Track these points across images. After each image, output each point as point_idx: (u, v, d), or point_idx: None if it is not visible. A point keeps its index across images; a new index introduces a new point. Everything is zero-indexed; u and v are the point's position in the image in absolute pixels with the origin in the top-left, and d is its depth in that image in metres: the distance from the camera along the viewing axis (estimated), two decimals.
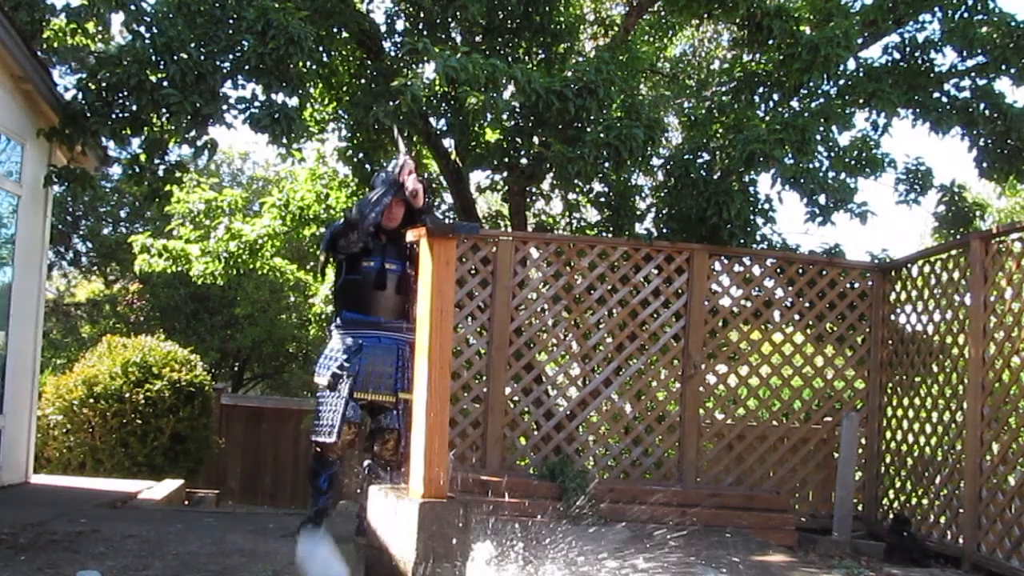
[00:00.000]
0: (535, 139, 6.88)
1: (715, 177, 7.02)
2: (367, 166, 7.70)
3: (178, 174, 6.70)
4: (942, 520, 5.93)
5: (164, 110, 6.05)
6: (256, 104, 6.22)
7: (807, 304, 7.00)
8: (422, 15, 7.35)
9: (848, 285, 6.98)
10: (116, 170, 10.12)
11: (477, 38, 7.73)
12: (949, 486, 5.88)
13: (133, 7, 6.23)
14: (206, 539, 4.61)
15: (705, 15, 7.68)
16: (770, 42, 7.33)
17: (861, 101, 7.35)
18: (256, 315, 14.34)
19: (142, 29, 6.15)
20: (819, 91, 7.39)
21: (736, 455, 6.82)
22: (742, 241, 7.00)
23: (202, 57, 6.05)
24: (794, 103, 7.55)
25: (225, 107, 6.22)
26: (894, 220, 30.29)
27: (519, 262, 6.74)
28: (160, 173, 6.56)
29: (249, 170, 20.52)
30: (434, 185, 8.46)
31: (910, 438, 6.42)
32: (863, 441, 6.79)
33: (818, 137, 6.75)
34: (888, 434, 6.74)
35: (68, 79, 13.87)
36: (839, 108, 7.10)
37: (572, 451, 6.70)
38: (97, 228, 16.46)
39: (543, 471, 6.25)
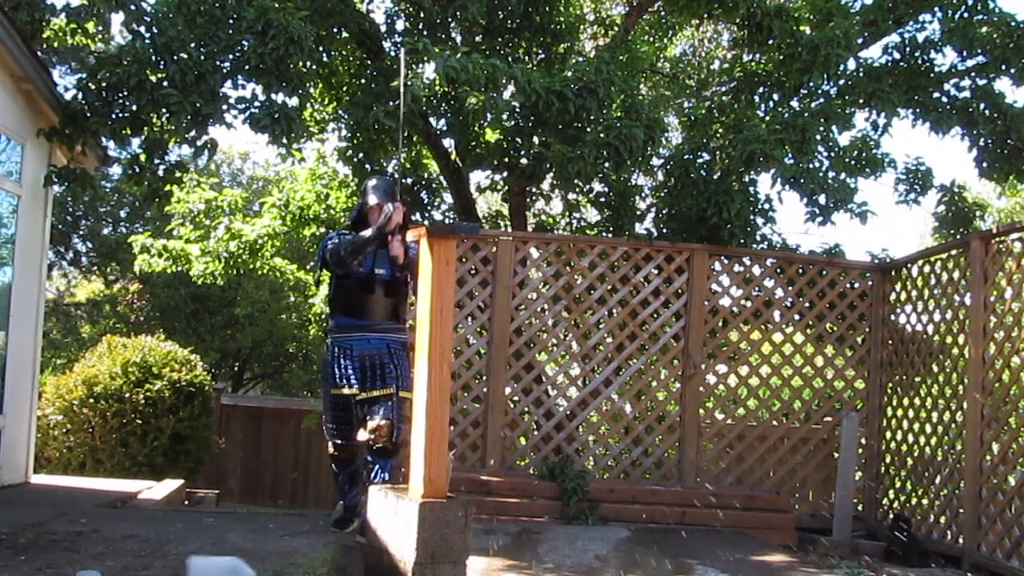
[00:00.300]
0: (535, 139, 6.87)
1: (715, 177, 7.02)
2: (367, 166, 7.69)
3: (178, 174, 6.69)
4: (942, 520, 5.93)
5: (164, 110, 6.05)
6: (256, 104, 6.21)
7: (807, 304, 7.00)
8: (422, 15, 7.34)
9: (848, 285, 6.98)
10: (116, 170, 10.10)
11: (477, 38, 7.73)
12: (949, 486, 5.88)
13: (133, 7, 6.22)
14: (206, 539, 4.61)
15: (705, 15, 7.68)
16: (770, 42, 7.33)
17: (861, 101, 7.35)
18: (256, 315, 14.35)
19: (142, 29, 6.14)
20: (819, 91, 7.40)
21: (736, 455, 6.82)
22: (742, 241, 7.00)
23: (202, 57, 6.05)
24: (794, 103, 7.55)
25: (225, 107, 6.21)
26: (894, 220, 30.31)
27: (519, 262, 6.74)
28: (160, 173, 6.55)
29: (249, 170, 20.54)
30: (434, 185, 8.48)
31: (910, 438, 6.42)
32: (863, 441, 6.78)
33: (818, 137, 6.76)
34: (888, 434, 6.74)
35: (68, 79, 13.90)
36: (839, 108, 7.09)
37: (572, 451, 6.70)
38: (97, 228, 16.46)
39: (543, 471, 6.24)
